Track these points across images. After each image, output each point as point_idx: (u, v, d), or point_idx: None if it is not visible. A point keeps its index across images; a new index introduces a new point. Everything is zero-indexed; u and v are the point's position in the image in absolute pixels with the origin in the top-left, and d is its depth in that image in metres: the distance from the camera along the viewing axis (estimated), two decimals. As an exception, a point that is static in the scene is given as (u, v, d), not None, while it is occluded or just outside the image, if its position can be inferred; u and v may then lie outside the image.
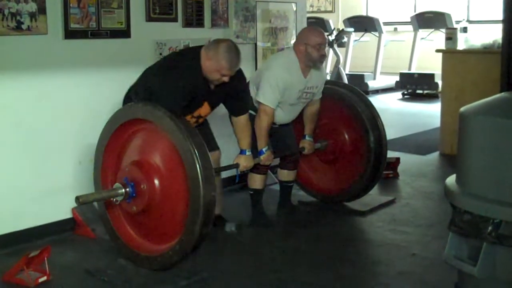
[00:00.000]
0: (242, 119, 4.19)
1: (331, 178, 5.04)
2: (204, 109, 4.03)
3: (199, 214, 3.39)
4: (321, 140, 4.87)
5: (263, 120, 4.28)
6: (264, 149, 4.33)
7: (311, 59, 4.36)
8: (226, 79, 3.84)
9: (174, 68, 3.84)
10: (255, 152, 4.31)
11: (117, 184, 3.67)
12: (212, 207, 3.47)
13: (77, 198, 3.52)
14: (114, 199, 3.67)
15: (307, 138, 4.72)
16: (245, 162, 4.21)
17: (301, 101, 4.52)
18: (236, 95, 4.11)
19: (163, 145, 3.61)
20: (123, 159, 3.84)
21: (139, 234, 3.82)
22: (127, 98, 3.96)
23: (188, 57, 3.94)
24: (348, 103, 4.82)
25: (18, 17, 3.97)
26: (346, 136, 4.88)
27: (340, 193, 4.97)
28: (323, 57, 4.43)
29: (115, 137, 3.83)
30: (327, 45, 4.50)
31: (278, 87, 4.28)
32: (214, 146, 4.28)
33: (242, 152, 4.22)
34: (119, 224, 3.88)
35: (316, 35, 4.38)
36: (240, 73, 4.05)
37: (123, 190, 3.63)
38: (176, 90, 3.74)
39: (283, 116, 4.53)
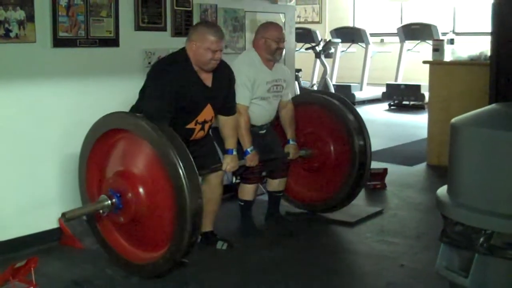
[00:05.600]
0: (231, 119, 4.20)
1: (314, 188, 5.02)
2: (208, 112, 4.01)
3: (186, 222, 3.38)
4: (305, 148, 4.87)
5: (240, 120, 4.29)
6: (249, 149, 4.33)
7: (270, 51, 4.45)
8: (219, 54, 3.86)
9: (163, 69, 3.86)
10: (241, 153, 4.31)
11: (102, 196, 3.64)
12: (200, 215, 3.47)
13: (63, 215, 3.48)
14: (101, 211, 3.64)
15: (290, 142, 4.74)
16: (231, 162, 4.19)
17: (272, 94, 4.55)
18: (229, 89, 4.13)
19: (144, 154, 3.59)
20: (107, 169, 3.81)
21: (129, 243, 3.79)
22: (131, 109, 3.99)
23: (176, 54, 3.98)
24: (336, 113, 4.83)
25: (6, 25, 3.93)
26: (331, 145, 4.89)
27: (324, 202, 4.94)
28: (281, 49, 4.51)
29: (97, 147, 3.80)
30: (285, 40, 4.61)
31: (246, 84, 4.34)
32: (217, 163, 4.24)
33: (228, 151, 4.21)
34: (109, 233, 3.85)
35: (273, 29, 4.52)
36: (225, 62, 4.10)
37: (109, 201, 3.60)
38: (166, 90, 3.73)
39: (260, 114, 4.53)
